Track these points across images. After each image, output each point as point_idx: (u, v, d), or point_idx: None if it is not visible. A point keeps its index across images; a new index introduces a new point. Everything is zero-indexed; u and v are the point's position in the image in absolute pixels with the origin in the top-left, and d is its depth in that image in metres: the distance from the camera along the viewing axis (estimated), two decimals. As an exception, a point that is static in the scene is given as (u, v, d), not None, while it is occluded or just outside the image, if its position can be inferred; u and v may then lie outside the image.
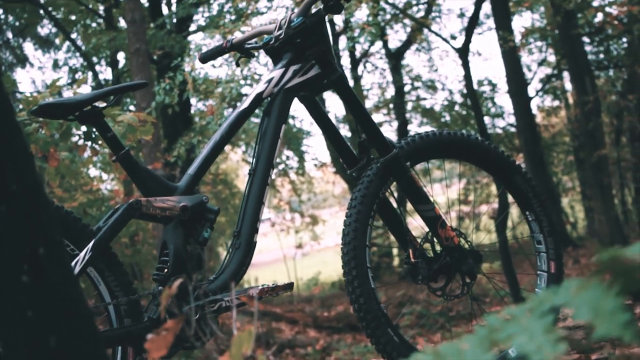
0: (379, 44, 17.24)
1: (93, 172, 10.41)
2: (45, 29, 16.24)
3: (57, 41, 16.20)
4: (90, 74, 15.28)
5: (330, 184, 20.73)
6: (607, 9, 11.10)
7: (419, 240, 2.95)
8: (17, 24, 15.61)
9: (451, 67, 32.26)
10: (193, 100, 12.43)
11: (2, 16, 15.17)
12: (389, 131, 18.19)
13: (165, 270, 2.54)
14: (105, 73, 16.24)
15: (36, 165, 1.44)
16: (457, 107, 17.95)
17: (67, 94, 11.55)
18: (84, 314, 1.41)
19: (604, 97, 14.43)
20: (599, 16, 11.38)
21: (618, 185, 15.40)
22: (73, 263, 2.37)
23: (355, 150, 2.99)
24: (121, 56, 14.95)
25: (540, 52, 17.71)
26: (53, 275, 1.33)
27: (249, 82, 9.81)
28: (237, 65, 3.25)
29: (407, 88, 18.02)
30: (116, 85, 2.71)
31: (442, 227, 2.95)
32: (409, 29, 16.25)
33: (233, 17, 10.60)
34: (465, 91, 16.15)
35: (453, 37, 14.99)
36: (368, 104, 17.70)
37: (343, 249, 2.75)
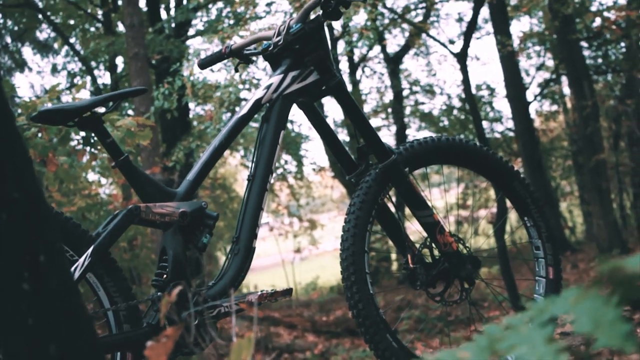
0: (377, 48, 17.25)
1: (92, 176, 10.41)
2: (44, 33, 16.25)
3: (56, 45, 16.19)
4: (88, 78, 15.28)
5: (329, 189, 20.71)
6: (605, 14, 11.14)
7: (417, 245, 2.96)
8: (15, 28, 15.62)
9: (449, 71, 32.33)
10: (191, 105, 12.42)
11: (1, 20, 15.16)
12: (387, 135, 18.21)
13: (165, 276, 2.54)
14: (104, 77, 16.25)
15: (35, 170, 1.44)
16: (455, 112, 17.96)
17: (66, 98, 11.55)
18: (84, 322, 1.41)
19: (602, 101, 14.45)
20: (597, 21, 11.42)
21: (616, 189, 15.40)
22: (72, 269, 2.38)
23: (354, 155, 2.99)
24: (120, 60, 14.95)
25: (538, 57, 17.73)
26: (53, 283, 1.34)
27: (247, 86, 9.82)
28: (236, 70, 3.26)
29: (405, 92, 18.03)
30: (115, 91, 2.71)
31: (440, 232, 2.95)
32: (407, 34, 16.28)
33: (232, 22, 10.62)
34: (463, 96, 16.15)
35: (451, 42, 15.00)
36: (366, 108, 17.70)
37: (342, 255, 2.76)
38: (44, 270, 1.32)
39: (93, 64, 15.61)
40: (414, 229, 3.11)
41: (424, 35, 14.22)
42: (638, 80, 13.35)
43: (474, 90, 15.74)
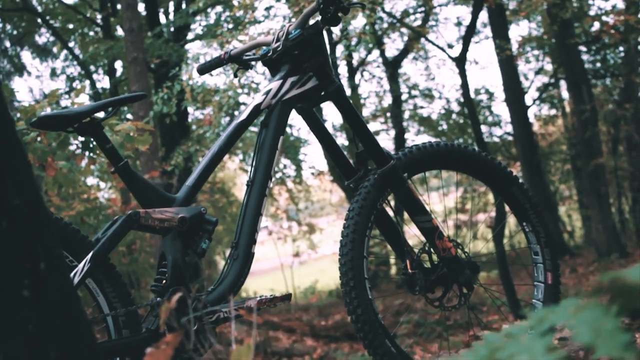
0: (376, 52, 17.26)
1: (91, 180, 10.41)
2: (43, 37, 16.25)
3: (55, 50, 16.19)
4: (87, 82, 15.27)
5: (328, 193, 20.71)
6: (604, 18, 11.15)
7: (416, 251, 2.96)
8: (14, 32, 15.61)
9: (448, 75, 32.28)
10: (190, 109, 12.43)
11: (0, 25, 15.17)
12: (386, 139, 18.20)
13: (164, 281, 2.54)
14: (103, 82, 16.23)
15: (34, 174, 1.44)
16: (454, 116, 17.97)
17: (65, 102, 11.55)
18: (84, 327, 1.41)
19: (601, 106, 14.46)
20: (596, 25, 11.43)
21: (615, 194, 15.43)
22: (72, 274, 2.38)
23: (353, 161, 3.00)
24: (119, 65, 14.95)
25: (537, 61, 17.74)
26: (53, 290, 1.34)
27: (246, 90, 9.82)
28: (235, 76, 3.27)
29: (404, 97, 18.02)
30: (115, 97, 2.72)
31: (439, 238, 2.96)
32: (406, 38, 16.28)
33: (231, 26, 10.62)
34: (462, 100, 16.17)
35: (450, 46, 15.02)
36: (365, 113, 17.70)
37: (341, 260, 2.76)
38: (44, 277, 1.32)
39: (92, 68, 15.61)
40: (413, 234, 3.12)
41: (422, 39, 14.23)
42: (636, 85, 13.37)
43: (472, 95, 15.78)
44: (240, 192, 20.64)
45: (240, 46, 3.04)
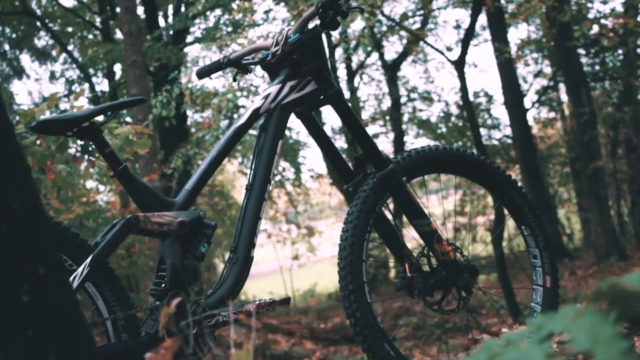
0: (375, 55, 17.28)
1: (90, 183, 10.42)
2: (42, 40, 16.26)
3: (54, 53, 16.20)
4: (86, 85, 15.29)
5: (327, 196, 20.71)
6: (603, 21, 11.15)
7: (415, 254, 2.96)
8: (14, 35, 15.63)
9: (447, 78, 32.28)
10: (189, 112, 12.43)
11: (-1, 28, 15.19)
12: (385, 142, 18.22)
13: (163, 285, 2.54)
14: (102, 85, 16.25)
15: (33, 177, 1.44)
16: (453, 119, 17.98)
17: (64, 106, 11.55)
18: (83, 332, 1.41)
19: (600, 108, 14.48)
20: (595, 28, 11.42)
21: (614, 196, 15.43)
22: (71, 278, 2.38)
23: (352, 164, 3.00)
24: (118, 68, 14.96)
25: (536, 64, 17.74)
26: (53, 295, 1.34)
27: (245, 93, 9.83)
28: (235, 80, 3.27)
29: (403, 99, 18.05)
30: (114, 101, 2.72)
31: (438, 241, 2.96)
32: (405, 41, 16.29)
33: (230, 29, 10.63)
34: (461, 103, 16.17)
35: (449, 49, 15.04)
36: (364, 116, 17.71)
37: (340, 264, 2.76)
38: (44, 282, 1.32)
39: (91, 71, 15.63)
40: (412, 237, 3.12)
41: (421, 42, 14.24)
42: (635, 88, 13.39)
43: (471, 98, 15.78)
44: (239, 194, 20.62)
45: (239, 50, 3.04)
